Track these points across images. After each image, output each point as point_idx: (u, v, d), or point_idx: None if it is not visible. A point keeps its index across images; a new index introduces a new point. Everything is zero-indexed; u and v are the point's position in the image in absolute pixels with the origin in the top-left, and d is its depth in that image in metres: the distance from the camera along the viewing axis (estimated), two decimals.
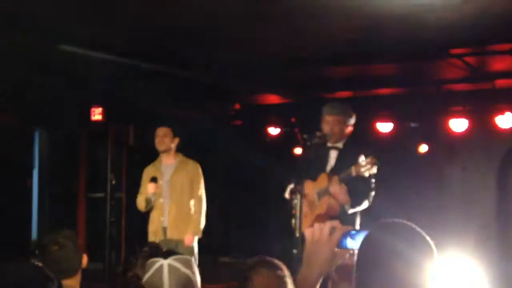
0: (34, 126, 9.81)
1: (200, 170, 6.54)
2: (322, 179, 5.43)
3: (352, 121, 5.59)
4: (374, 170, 5.15)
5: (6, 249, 7.75)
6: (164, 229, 6.38)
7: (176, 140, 6.46)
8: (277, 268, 2.90)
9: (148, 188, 6.32)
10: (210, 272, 7.78)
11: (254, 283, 2.82)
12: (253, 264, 2.92)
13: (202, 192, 6.53)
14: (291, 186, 5.45)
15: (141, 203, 6.46)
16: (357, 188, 5.29)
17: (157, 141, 6.42)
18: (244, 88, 8.26)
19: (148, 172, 6.54)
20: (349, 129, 5.58)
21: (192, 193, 6.48)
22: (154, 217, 6.45)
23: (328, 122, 5.49)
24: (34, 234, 9.79)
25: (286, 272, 2.87)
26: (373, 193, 5.42)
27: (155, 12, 5.05)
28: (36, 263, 3.38)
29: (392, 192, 7.30)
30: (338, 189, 5.25)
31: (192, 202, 6.47)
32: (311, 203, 5.49)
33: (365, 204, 5.41)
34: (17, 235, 9.15)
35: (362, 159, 5.22)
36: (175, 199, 6.41)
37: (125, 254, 9.18)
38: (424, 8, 4.76)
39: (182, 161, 6.52)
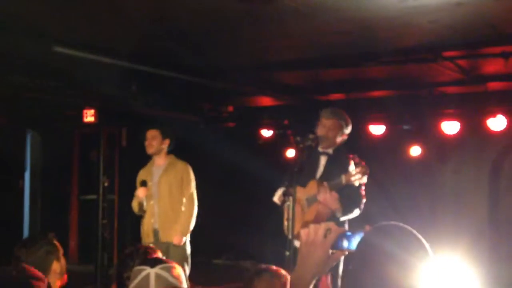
0: (27, 128, 9.78)
1: (189, 170, 6.43)
2: (312, 186, 5.38)
3: (348, 130, 5.54)
4: (365, 179, 5.13)
5: None
6: (155, 231, 6.31)
7: (167, 142, 6.37)
8: (281, 276, 2.93)
9: (138, 192, 6.29)
10: (203, 274, 7.76)
11: None
12: (258, 271, 2.95)
13: (192, 192, 6.41)
14: (281, 190, 5.31)
15: (135, 207, 6.41)
16: (348, 196, 5.26)
17: (146, 143, 6.36)
18: (236, 90, 8.25)
19: (141, 175, 6.49)
20: (343, 137, 5.53)
21: (183, 194, 6.37)
22: (145, 219, 6.40)
23: (325, 126, 5.44)
24: (25, 236, 9.76)
25: (288, 281, 2.90)
26: (364, 201, 5.40)
27: (150, 14, 5.04)
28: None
29: (384, 193, 7.32)
30: (328, 197, 5.21)
31: (183, 203, 6.40)
32: (300, 209, 5.45)
33: (356, 212, 5.37)
34: (8, 237, 9.11)
35: (352, 168, 5.20)
36: (164, 201, 6.32)
37: (117, 256, 9.16)
38: (417, 11, 4.77)
39: (171, 162, 6.41)
